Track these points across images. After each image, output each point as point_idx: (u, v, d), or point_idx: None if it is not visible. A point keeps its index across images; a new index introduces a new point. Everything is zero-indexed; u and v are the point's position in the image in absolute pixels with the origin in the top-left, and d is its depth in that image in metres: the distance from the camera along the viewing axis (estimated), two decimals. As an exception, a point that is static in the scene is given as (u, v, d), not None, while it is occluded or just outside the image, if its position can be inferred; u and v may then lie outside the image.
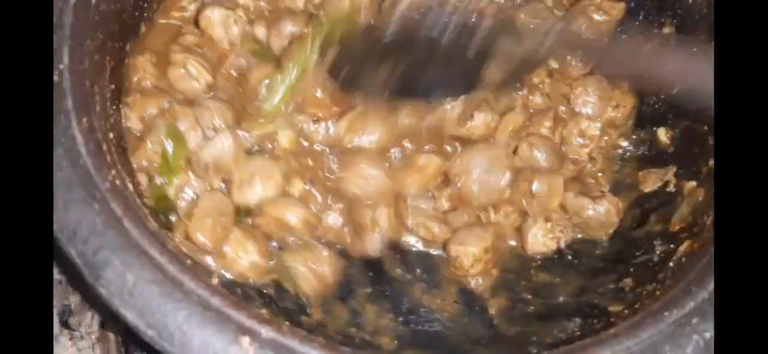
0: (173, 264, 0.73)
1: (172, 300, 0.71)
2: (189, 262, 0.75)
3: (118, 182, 0.78)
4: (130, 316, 0.70)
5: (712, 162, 0.97)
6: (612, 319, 0.87)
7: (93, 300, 0.78)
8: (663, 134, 1.09)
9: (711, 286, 0.76)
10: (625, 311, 0.87)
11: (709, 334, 0.72)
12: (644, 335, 0.73)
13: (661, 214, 1.02)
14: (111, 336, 0.99)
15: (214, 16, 1.05)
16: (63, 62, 0.81)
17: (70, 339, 0.97)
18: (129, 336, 0.96)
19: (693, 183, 1.00)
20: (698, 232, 0.90)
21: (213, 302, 0.71)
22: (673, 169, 1.04)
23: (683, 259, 0.87)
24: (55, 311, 0.97)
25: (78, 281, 0.71)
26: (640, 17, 1.16)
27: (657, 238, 0.99)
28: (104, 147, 0.81)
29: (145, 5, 1.04)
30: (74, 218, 0.73)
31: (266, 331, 0.71)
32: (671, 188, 1.04)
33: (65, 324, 0.97)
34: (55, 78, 0.79)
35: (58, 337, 0.96)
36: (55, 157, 0.75)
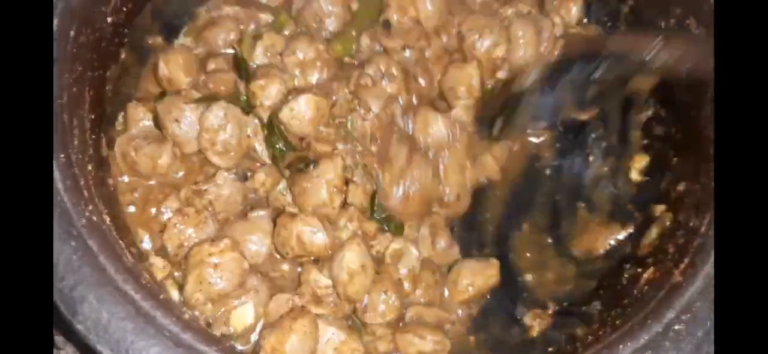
0: (147, 300, 0.76)
1: (145, 336, 0.74)
2: (162, 296, 0.78)
3: (95, 217, 0.81)
4: (105, 351, 0.73)
5: (680, 186, 1.00)
6: (577, 345, 0.89)
7: (71, 336, 0.81)
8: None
9: (667, 318, 0.79)
10: (590, 337, 0.90)
11: (662, 368, 0.75)
12: (599, 369, 0.75)
13: (631, 236, 1.05)
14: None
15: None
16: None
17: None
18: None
19: (663, 206, 1.02)
20: (662, 259, 0.92)
21: (183, 338, 0.74)
22: None
23: (645, 288, 0.90)
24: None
25: (57, 317, 0.74)
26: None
27: (626, 261, 1.02)
28: (81, 182, 0.83)
29: (126, 30, 1.06)
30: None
31: (236, 366, 0.73)
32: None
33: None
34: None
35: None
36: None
